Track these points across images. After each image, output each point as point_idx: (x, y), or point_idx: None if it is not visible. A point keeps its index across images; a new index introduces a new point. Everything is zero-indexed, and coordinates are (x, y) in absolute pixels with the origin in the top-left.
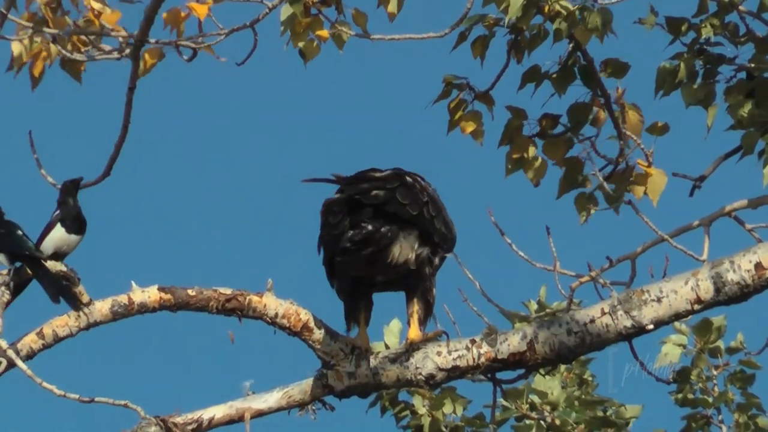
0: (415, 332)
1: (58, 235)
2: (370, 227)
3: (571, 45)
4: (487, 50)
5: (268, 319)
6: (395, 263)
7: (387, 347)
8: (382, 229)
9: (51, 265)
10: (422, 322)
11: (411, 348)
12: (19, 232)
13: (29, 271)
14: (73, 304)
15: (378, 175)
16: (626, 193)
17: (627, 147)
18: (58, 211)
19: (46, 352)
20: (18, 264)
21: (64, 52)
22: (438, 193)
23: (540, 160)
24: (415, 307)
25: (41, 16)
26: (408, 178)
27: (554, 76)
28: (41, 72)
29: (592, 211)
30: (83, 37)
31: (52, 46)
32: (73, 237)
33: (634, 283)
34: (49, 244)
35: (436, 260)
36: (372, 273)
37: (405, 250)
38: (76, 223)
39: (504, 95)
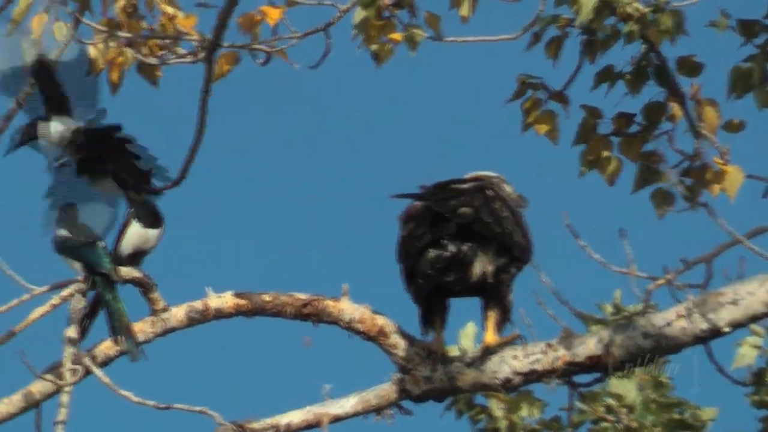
0: (491, 336)
1: (135, 231)
2: (452, 249)
3: (644, 46)
4: (561, 51)
5: (343, 324)
6: (475, 279)
7: (463, 351)
8: (463, 248)
9: (126, 272)
10: (498, 326)
11: (487, 352)
12: (101, 245)
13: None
14: (131, 349)
15: (463, 187)
16: (702, 190)
17: (703, 144)
18: (131, 209)
19: (122, 358)
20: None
21: (138, 56)
22: (517, 193)
23: (615, 159)
24: (492, 312)
25: (118, 20)
26: (489, 192)
27: (628, 76)
28: (119, 77)
29: (669, 207)
30: (160, 42)
31: (127, 50)
32: (151, 232)
33: (709, 285)
34: (127, 244)
35: (513, 269)
36: (450, 284)
37: (484, 264)
38: (151, 217)
39: (578, 95)
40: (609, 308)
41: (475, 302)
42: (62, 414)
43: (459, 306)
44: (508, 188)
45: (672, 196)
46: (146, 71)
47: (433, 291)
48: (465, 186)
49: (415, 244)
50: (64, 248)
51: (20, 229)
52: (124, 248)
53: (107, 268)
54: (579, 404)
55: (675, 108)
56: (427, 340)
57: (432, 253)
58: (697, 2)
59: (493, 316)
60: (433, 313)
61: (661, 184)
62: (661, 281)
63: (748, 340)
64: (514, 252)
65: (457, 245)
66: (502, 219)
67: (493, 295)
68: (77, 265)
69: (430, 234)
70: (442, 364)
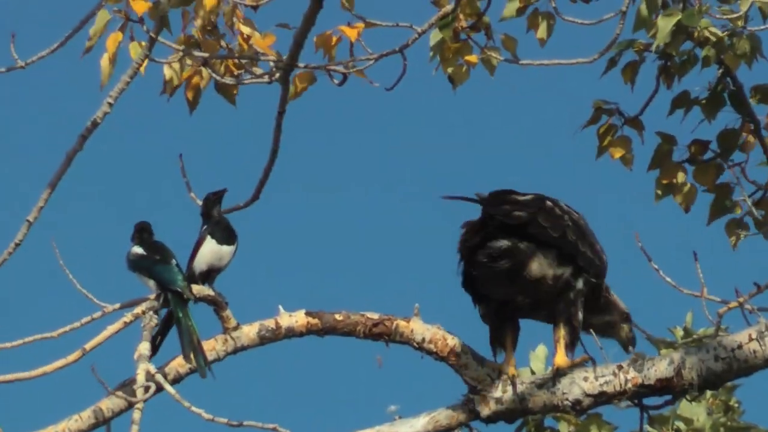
0: (561, 358)
1: (209, 248)
2: (507, 242)
3: (720, 71)
4: (637, 76)
5: (415, 344)
6: (533, 278)
7: (533, 372)
8: (520, 245)
9: (198, 289)
10: (569, 348)
11: (558, 374)
12: (174, 263)
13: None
14: (201, 369)
15: (520, 198)
16: None
17: None
18: (205, 226)
19: (193, 376)
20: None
21: (214, 75)
22: (585, 219)
23: (689, 185)
24: (561, 332)
25: (196, 39)
26: (548, 203)
27: (703, 101)
28: (197, 95)
29: (743, 237)
30: (237, 61)
31: (203, 69)
32: (225, 248)
33: None
34: (201, 261)
35: (580, 283)
36: (511, 291)
37: (543, 266)
38: (225, 234)
39: (653, 121)
40: (680, 331)
41: (547, 325)
42: (134, 431)
43: (529, 327)
44: (573, 213)
45: (746, 226)
46: (223, 90)
47: (500, 308)
48: (524, 197)
49: (468, 246)
50: (138, 266)
51: (93, 247)
52: (198, 265)
53: (181, 285)
54: (648, 427)
55: (748, 137)
56: (497, 360)
57: (487, 246)
58: None
59: (562, 338)
60: (503, 333)
61: (734, 215)
62: (732, 304)
63: None
64: (578, 261)
65: (513, 241)
66: (562, 226)
67: (562, 314)
68: (151, 283)
69: (482, 236)
70: (513, 385)
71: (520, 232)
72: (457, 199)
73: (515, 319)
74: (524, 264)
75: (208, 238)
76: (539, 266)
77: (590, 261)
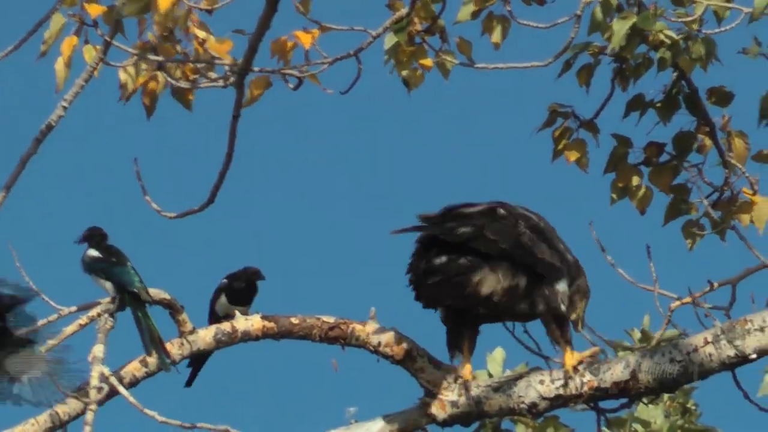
0: (569, 359)
1: (222, 302)
2: (440, 260)
3: (675, 74)
4: (592, 78)
5: (371, 347)
6: (480, 293)
7: (490, 376)
8: (460, 261)
9: (154, 293)
10: (569, 344)
11: (568, 376)
12: (130, 264)
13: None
14: (162, 362)
15: (468, 211)
16: (732, 221)
17: (733, 175)
18: (225, 280)
19: (149, 379)
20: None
21: (169, 79)
22: (546, 221)
23: (645, 188)
24: (556, 333)
25: (152, 44)
26: (502, 211)
27: (659, 104)
28: (153, 100)
29: (699, 239)
30: (194, 66)
31: (159, 74)
32: (240, 308)
33: (734, 308)
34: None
35: (546, 290)
36: (464, 305)
37: (489, 280)
38: (241, 297)
39: (609, 123)
40: (637, 334)
41: (501, 328)
42: None
43: (487, 330)
44: (531, 219)
45: (702, 227)
46: (179, 95)
47: (460, 314)
48: (473, 210)
49: (410, 266)
50: (94, 268)
51: (49, 250)
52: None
53: (138, 287)
54: (606, 430)
55: (705, 139)
56: (454, 363)
57: (418, 264)
58: (730, 30)
59: (560, 337)
60: (460, 336)
61: (691, 216)
62: (685, 300)
63: None
64: (537, 269)
65: (451, 258)
66: (515, 235)
67: (546, 314)
68: (107, 285)
69: (424, 253)
70: (470, 388)
71: (468, 248)
72: (406, 232)
73: (475, 324)
74: (467, 279)
75: (222, 296)
76: (484, 280)
77: (549, 266)
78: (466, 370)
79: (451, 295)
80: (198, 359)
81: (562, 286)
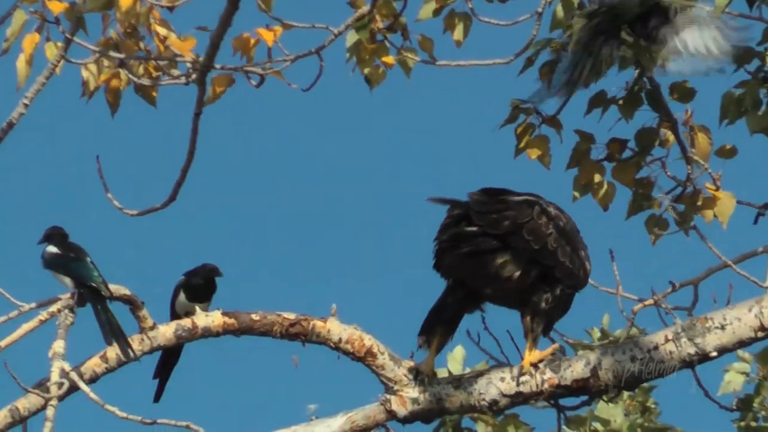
0: (528, 357)
1: (181, 303)
2: (476, 233)
3: (637, 71)
4: (554, 75)
5: (331, 344)
6: (499, 276)
7: (450, 374)
8: (491, 242)
9: (115, 288)
10: (535, 342)
11: (522, 372)
12: (89, 260)
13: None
14: (124, 351)
15: (510, 199)
16: (695, 215)
17: (695, 170)
18: (183, 277)
19: (110, 375)
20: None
21: (131, 76)
22: (574, 224)
23: (608, 184)
24: (529, 327)
25: (114, 40)
26: (538, 208)
27: (621, 100)
28: (116, 97)
29: (662, 234)
30: (157, 63)
31: (121, 71)
32: (197, 306)
33: (696, 308)
34: (179, 309)
35: (557, 291)
36: (477, 283)
37: (511, 267)
38: (200, 294)
39: (571, 120)
40: (597, 333)
41: (461, 326)
42: (47, 428)
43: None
44: (562, 219)
45: (665, 222)
46: (143, 91)
47: (464, 298)
48: (513, 199)
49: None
50: (54, 263)
51: (9, 247)
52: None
53: (97, 281)
54: (566, 428)
55: (668, 134)
56: (414, 361)
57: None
58: None
59: (530, 332)
60: (433, 331)
61: (654, 211)
62: (647, 302)
63: (734, 366)
64: (556, 273)
65: (483, 237)
66: (544, 237)
67: (531, 308)
68: (67, 280)
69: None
70: (430, 385)
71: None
72: (444, 203)
73: (455, 323)
74: (492, 259)
75: (181, 293)
76: (506, 264)
77: (569, 272)
78: (428, 367)
79: (471, 269)
80: (164, 371)
81: (562, 290)
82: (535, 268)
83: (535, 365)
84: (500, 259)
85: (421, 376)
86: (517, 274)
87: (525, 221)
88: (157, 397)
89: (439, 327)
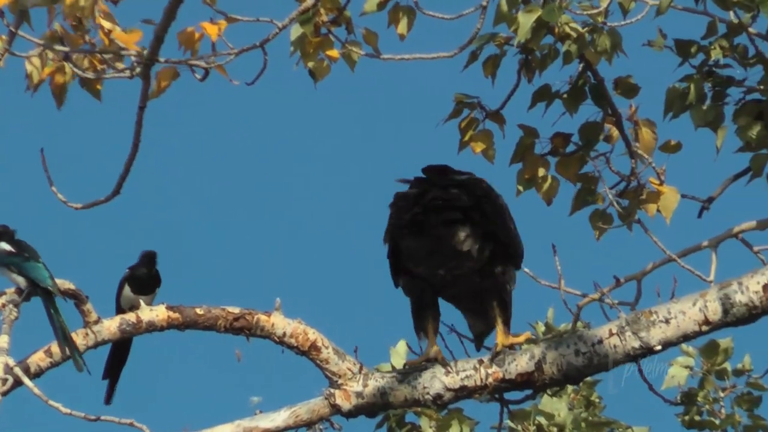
0: (501, 337)
1: (127, 296)
2: (440, 201)
3: (581, 65)
4: (498, 69)
5: (276, 338)
6: (457, 249)
7: (393, 368)
8: (452, 215)
9: (60, 283)
10: (506, 326)
11: (498, 353)
12: (42, 262)
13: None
14: (76, 362)
15: (458, 177)
16: (639, 210)
17: (640, 165)
18: (127, 271)
19: (54, 370)
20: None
21: (76, 70)
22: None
23: (552, 178)
24: (497, 311)
25: (59, 34)
26: (485, 184)
27: (565, 95)
28: (62, 90)
29: (606, 229)
30: (102, 56)
31: (66, 64)
32: (144, 297)
33: (640, 303)
34: (125, 303)
35: (513, 271)
36: (433, 261)
37: (469, 240)
38: (143, 285)
39: (515, 114)
40: (541, 326)
41: (404, 321)
42: None
43: (391, 324)
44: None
45: (610, 217)
46: (88, 85)
47: (422, 287)
48: (462, 178)
49: (399, 208)
50: (7, 261)
51: None
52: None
53: (50, 284)
54: (509, 422)
55: (612, 128)
56: (421, 348)
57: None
58: (635, 23)
59: (498, 316)
60: (425, 318)
61: (598, 206)
62: (592, 297)
63: (678, 360)
64: (509, 251)
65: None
66: (498, 213)
67: (494, 294)
68: (19, 279)
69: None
70: (443, 367)
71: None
72: (408, 183)
73: (436, 306)
74: (453, 233)
75: (126, 286)
76: (467, 238)
77: (518, 249)
78: (434, 350)
79: (432, 245)
80: (113, 371)
81: (513, 271)
82: (490, 244)
83: (508, 347)
84: (461, 232)
85: (433, 359)
86: (476, 248)
87: (483, 186)
88: (108, 399)
89: (427, 314)
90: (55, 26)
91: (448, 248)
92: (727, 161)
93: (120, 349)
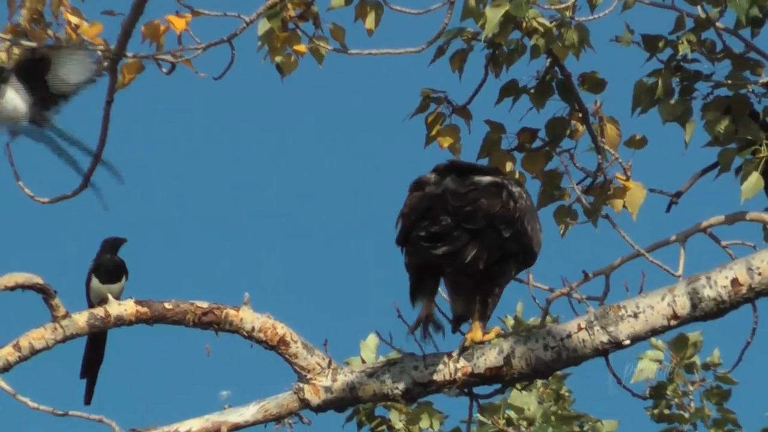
0: (475, 333)
1: (95, 287)
2: (448, 221)
3: (548, 60)
4: (465, 64)
5: (244, 332)
6: (468, 263)
7: (363, 362)
8: (464, 235)
9: (27, 278)
10: (483, 321)
11: (464, 348)
12: None
13: None
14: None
15: (479, 182)
16: (605, 206)
17: (605, 160)
18: (92, 264)
19: (22, 364)
20: None
21: None
22: (529, 197)
23: (518, 173)
24: (477, 306)
25: (22, 28)
26: (505, 192)
27: (532, 90)
28: None
29: (571, 225)
30: None
31: None
32: (111, 287)
33: (608, 297)
34: (94, 297)
35: (513, 271)
36: (442, 264)
37: (479, 253)
38: (109, 273)
39: (482, 109)
40: (510, 320)
41: (377, 314)
42: None
43: (360, 318)
44: (522, 198)
45: (575, 213)
46: None
47: (425, 267)
48: (482, 180)
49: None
50: None
51: None
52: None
53: None
54: (479, 416)
55: (577, 125)
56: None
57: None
58: (603, 18)
59: (477, 311)
60: (423, 283)
61: (563, 202)
62: (561, 292)
63: (648, 353)
64: (519, 257)
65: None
66: (513, 223)
67: (486, 290)
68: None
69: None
70: (435, 329)
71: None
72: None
73: (437, 277)
74: (466, 251)
75: (93, 277)
76: (477, 254)
77: (531, 252)
78: (427, 309)
79: (445, 257)
80: (90, 370)
81: (515, 269)
82: (498, 252)
83: (478, 343)
84: (471, 250)
85: (423, 317)
86: (483, 261)
87: (496, 211)
88: (88, 399)
89: (426, 281)
90: (20, 20)
91: (453, 264)
92: (696, 156)
93: (95, 346)
